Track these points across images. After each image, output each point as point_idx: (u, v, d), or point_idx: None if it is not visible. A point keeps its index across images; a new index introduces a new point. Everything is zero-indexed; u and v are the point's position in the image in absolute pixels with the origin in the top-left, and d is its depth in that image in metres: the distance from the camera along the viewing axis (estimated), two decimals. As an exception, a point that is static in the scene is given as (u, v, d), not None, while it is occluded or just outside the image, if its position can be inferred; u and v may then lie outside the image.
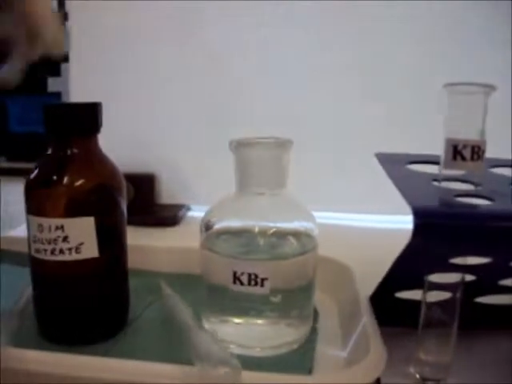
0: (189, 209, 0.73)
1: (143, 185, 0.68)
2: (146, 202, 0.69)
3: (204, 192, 0.73)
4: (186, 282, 0.41)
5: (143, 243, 0.46)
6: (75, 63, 0.73)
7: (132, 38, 0.70)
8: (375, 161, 0.39)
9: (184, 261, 0.47)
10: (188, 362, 0.28)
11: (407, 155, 0.39)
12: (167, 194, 0.73)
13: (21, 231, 0.53)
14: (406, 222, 0.60)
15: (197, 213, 0.72)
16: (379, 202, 0.64)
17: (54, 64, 0.93)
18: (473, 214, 0.25)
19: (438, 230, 0.24)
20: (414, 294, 0.36)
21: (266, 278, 0.32)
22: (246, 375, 0.27)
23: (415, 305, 0.34)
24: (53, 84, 0.95)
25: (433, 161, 0.38)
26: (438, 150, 0.39)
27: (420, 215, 0.24)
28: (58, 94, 0.93)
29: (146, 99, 0.71)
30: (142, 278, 0.38)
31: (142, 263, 0.44)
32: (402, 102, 0.65)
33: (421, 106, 0.62)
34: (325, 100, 0.66)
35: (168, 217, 0.68)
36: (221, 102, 0.69)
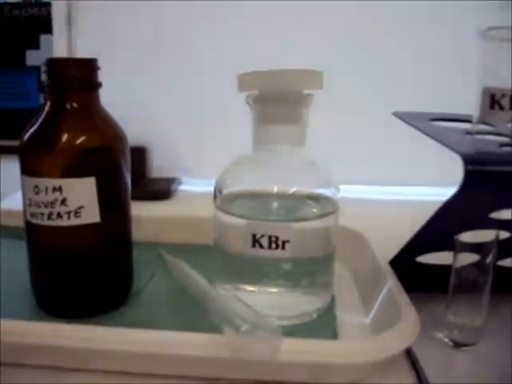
0: (180, 182, 0.70)
1: (134, 158, 0.64)
2: (137, 175, 0.66)
3: (196, 165, 0.70)
4: (187, 252, 0.39)
5: (139, 213, 0.43)
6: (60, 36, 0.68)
7: (120, 12, 0.67)
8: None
9: (183, 231, 0.45)
10: (210, 330, 0.26)
11: (427, 113, 0.37)
12: (158, 168, 0.70)
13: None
14: (420, 194, 0.59)
15: (189, 186, 0.70)
16: (395, 172, 0.62)
17: (32, 36, 0.88)
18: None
19: (489, 178, 0.22)
20: (435, 259, 0.34)
21: (288, 241, 0.29)
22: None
23: (437, 269, 0.33)
24: (31, 57, 0.89)
25: (454, 118, 0.36)
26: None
27: (471, 162, 0.22)
28: (37, 68, 0.88)
29: (135, 72, 0.68)
30: (140, 249, 0.36)
31: (139, 234, 0.41)
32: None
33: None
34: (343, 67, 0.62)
35: (160, 190, 0.65)
36: (215, 75, 0.66)
